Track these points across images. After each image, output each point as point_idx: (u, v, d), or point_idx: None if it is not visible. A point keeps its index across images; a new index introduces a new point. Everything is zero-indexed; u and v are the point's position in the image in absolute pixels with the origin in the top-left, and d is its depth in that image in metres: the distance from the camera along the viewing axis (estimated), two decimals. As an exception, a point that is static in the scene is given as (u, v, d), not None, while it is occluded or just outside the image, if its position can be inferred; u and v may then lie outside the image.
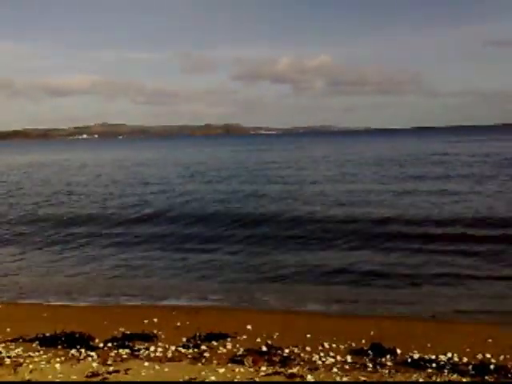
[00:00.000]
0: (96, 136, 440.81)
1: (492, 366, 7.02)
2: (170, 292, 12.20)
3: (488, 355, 7.57)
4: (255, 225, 19.56)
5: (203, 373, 6.95)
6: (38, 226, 21.23)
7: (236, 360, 7.52)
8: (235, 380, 6.70)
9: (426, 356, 7.47)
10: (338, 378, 6.74)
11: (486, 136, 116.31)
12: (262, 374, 6.91)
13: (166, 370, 7.12)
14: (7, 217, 23.47)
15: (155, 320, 9.82)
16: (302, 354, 7.78)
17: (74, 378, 6.83)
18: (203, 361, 7.58)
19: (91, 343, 8.39)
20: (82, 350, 8.02)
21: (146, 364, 7.38)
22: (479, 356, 7.57)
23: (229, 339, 8.56)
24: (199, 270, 14.00)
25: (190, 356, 7.81)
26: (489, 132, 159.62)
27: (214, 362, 7.51)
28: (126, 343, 8.34)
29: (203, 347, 8.16)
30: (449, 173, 34.92)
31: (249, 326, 9.21)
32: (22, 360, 7.59)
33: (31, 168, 56.80)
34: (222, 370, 7.04)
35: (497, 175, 31.96)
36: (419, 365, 7.17)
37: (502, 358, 7.47)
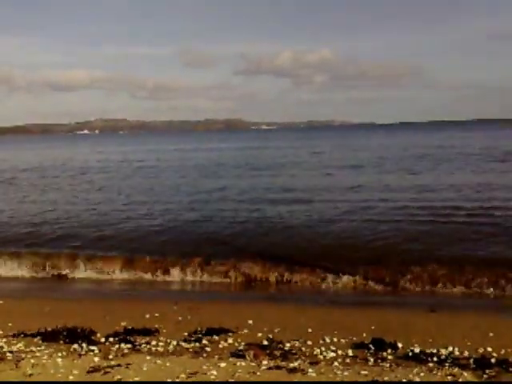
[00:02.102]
0: (97, 131, 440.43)
1: (493, 360, 7.02)
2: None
3: (489, 349, 7.57)
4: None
5: (204, 367, 6.97)
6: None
7: (237, 354, 7.53)
8: (237, 374, 6.72)
9: (427, 350, 7.47)
10: (339, 372, 6.74)
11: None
12: (264, 367, 6.91)
13: (168, 364, 7.13)
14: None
15: (157, 314, 9.84)
16: (303, 348, 7.79)
17: (75, 372, 6.83)
18: (204, 355, 7.60)
19: (93, 338, 8.40)
20: (84, 345, 8.02)
21: (148, 358, 7.39)
22: (480, 350, 7.56)
23: (230, 334, 8.57)
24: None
25: (191, 350, 7.83)
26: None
27: (216, 356, 7.52)
28: (128, 338, 8.35)
29: (204, 341, 8.17)
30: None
31: (250, 321, 9.22)
32: (23, 355, 7.60)
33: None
34: (223, 364, 7.05)
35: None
36: (420, 359, 7.17)
37: (503, 351, 7.47)
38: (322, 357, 7.42)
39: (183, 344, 8.09)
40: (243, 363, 7.11)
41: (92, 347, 7.92)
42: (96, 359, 7.37)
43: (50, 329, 8.76)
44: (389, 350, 7.56)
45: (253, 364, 7.07)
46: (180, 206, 23.53)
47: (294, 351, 7.64)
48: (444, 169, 34.78)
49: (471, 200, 21.54)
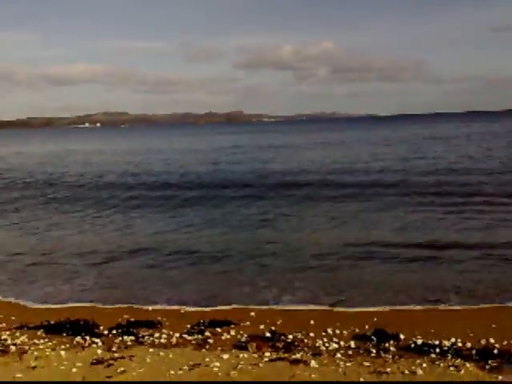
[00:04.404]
0: (98, 125, 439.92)
1: (495, 351, 7.03)
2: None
3: (492, 340, 7.58)
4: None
5: (207, 359, 6.99)
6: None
7: (240, 346, 7.55)
8: (239, 365, 6.73)
9: (429, 341, 7.47)
10: (341, 364, 6.76)
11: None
12: (266, 359, 6.93)
13: (171, 356, 7.15)
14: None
15: (159, 307, 9.85)
16: (305, 340, 7.81)
17: (78, 364, 6.86)
18: (207, 347, 7.62)
19: (96, 330, 8.42)
20: (87, 338, 8.05)
21: (151, 350, 7.41)
22: (483, 341, 7.57)
23: (232, 326, 8.59)
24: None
25: (194, 342, 7.85)
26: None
27: (218, 348, 7.54)
28: (131, 330, 8.37)
29: (207, 334, 8.19)
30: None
31: (252, 313, 9.24)
32: (27, 347, 7.63)
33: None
34: (225, 356, 7.07)
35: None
36: (423, 350, 7.18)
37: (505, 342, 7.48)
38: (324, 348, 7.44)
39: (186, 336, 8.11)
40: (246, 355, 7.12)
41: (95, 340, 7.95)
42: (99, 351, 7.39)
43: (52, 321, 8.79)
44: (391, 342, 7.58)
45: (255, 356, 7.09)
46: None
47: (296, 343, 7.66)
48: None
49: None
